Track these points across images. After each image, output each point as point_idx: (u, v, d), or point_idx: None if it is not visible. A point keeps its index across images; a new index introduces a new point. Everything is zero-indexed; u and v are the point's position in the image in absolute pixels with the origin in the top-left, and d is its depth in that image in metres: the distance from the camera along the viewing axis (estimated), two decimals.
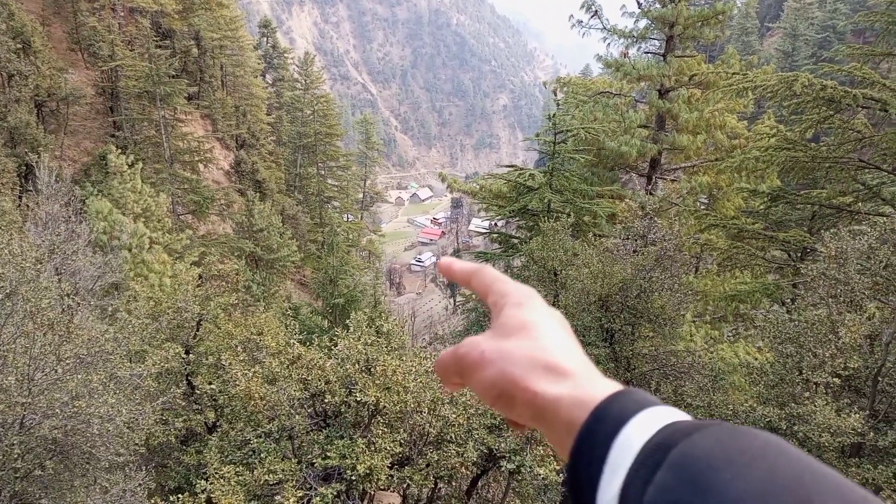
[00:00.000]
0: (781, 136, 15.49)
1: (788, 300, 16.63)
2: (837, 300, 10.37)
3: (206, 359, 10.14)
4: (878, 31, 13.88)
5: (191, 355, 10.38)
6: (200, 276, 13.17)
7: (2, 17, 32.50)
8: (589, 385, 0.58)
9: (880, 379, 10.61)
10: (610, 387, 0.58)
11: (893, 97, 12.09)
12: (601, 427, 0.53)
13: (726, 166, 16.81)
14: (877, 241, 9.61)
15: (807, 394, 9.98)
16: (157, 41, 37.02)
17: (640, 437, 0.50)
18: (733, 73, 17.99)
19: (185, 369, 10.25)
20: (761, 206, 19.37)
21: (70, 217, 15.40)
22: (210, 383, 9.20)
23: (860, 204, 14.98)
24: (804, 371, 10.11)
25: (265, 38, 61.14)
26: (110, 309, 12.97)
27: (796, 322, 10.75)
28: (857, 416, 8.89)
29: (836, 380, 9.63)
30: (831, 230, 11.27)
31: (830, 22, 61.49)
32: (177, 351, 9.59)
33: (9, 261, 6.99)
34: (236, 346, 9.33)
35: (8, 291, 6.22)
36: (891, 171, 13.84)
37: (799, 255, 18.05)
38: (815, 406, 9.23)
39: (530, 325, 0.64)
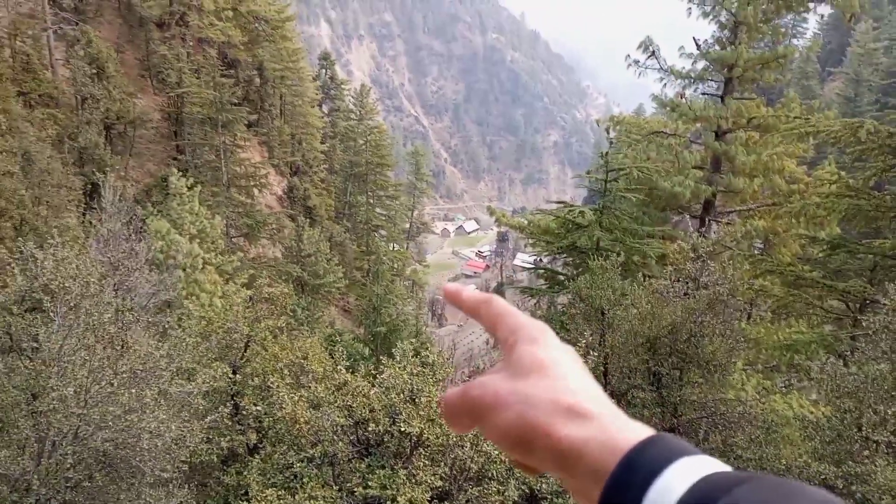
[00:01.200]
0: (843, 183, 15.05)
1: (847, 353, 15.93)
2: None
3: (252, 380, 10.30)
4: None
5: (237, 376, 10.57)
6: (250, 298, 13.46)
7: (80, 44, 34.51)
8: (615, 428, 0.54)
9: None
10: (640, 431, 0.53)
11: None
12: (632, 477, 0.49)
13: (785, 211, 16.38)
14: None
15: (866, 452, 9.48)
16: (222, 70, 38.68)
17: (675, 490, 0.47)
18: (794, 117, 17.64)
19: (232, 389, 10.43)
20: (820, 254, 18.75)
21: (130, 235, 16.00)
22: (256, 405, 9.33)
23: None
24: (864, 428, 9.62)
25: (324, 70, 63.01)
26: (162, 326, 13.35)
27: (856, 376, 10.28)
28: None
29: None
30: (895, 282, 10.81)
31: None
32: (225, 371, 9.77)
33: (75, 275, 7.30)
34: (282, 370, 9.44)
35: (72, 305, 6.48)
36: None
37: (858, 306, 17.33)
38: (875, 465, 8.74)
39: (547, 364, 0.60)
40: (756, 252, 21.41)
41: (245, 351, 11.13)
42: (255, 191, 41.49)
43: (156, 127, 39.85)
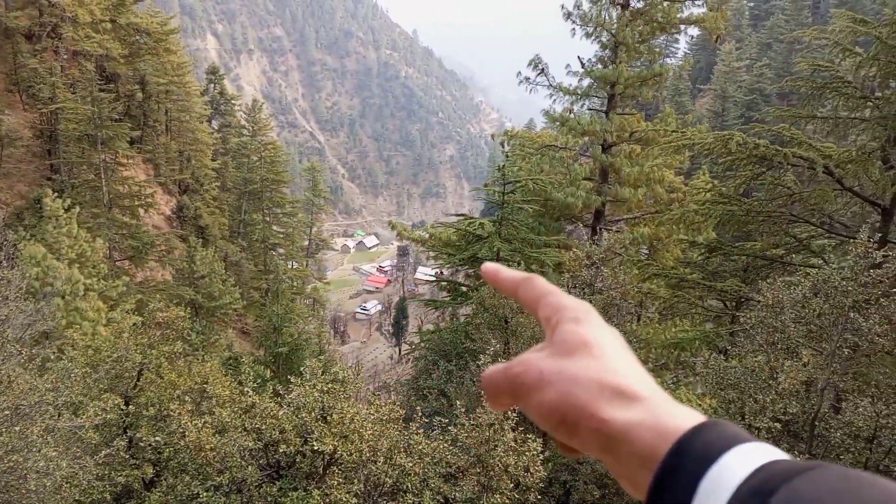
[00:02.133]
0: (717, 191, 16.33)
1: (727, 347, 17.23)
2: (775, 347, 10.84)
3: (148, 410, 9.71)
4: (803, 95, 15.00)
5: (130, 406, 9.93)
6: (144, 324, 12.71)
7: None
8: (665, 412, 0.52)
9: (817, 424, 11.05)
10: (691, 416, 0.52)
11: (819, 156, 12.99)
12: (686, 464, 0.47)
13: (667, 218, 17.53)
14: (810, 292, 10.15)
15: None
16: (101, 84, 36.35)
17: (732, 478, 0.44)
18: (672, 131, 18.98)
19: (124, 421, 9.78)
20: (699, 257, 20.21)
21: (1, 262, 14.70)
22: (154, 436, 8.79)
23: (792, 256, 15.83)
24: (746, 416, 10.44)
25: (212, 85, 60.80)
26: (39, 359, 12.33)
27: (736, 368, 11.15)
28: (798, 460, 9.19)
29: (776, 424, 9.98)
30: (767, 280, 11.84)
31: (757, 85, 65.84)
32: (116, 402, 9.15)
33: None
34: (182, 396, 8.97)
35: None
36: (819, 225, 14.74)
37: (734, 304, 18.81)
38: None
39: (593, 344, 0.58)
40: (643, 257, 22.76)
41: (138, 380, 10.48)
42: (141, 211, 39.20)
43: (27, 145, 36.81)
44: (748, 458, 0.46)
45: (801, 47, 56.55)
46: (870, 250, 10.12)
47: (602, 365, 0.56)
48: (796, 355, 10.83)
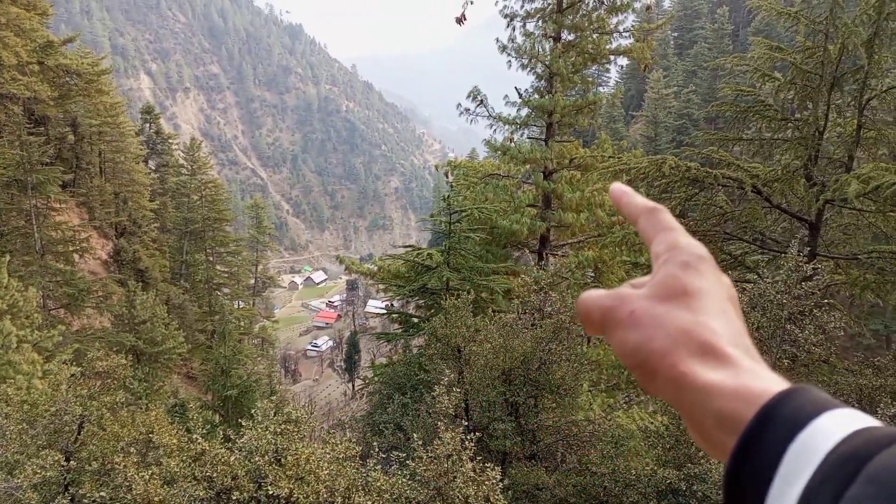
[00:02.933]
0: None
1: None
2: None
3: (90, 464, 9.24)
4: (728, 118, 15.81)
5: (72, 462, 9.43)
6: (83, 374, 12.16)
7: None
8: (753, 376, 0.51)
9: None
10: (778, 382, 0.51)
11: (748, 176, 13.68)
12: (773, 429, 0.46)
13: (609, 241, 18.01)
14: (748, 306, 10.56)
15: (701, 453, 10.55)
16: (29, 128, 35.14)
17: (823, 444, 0.43)
18: (609, 157, 19.62)
19: (65, 478, 9.26)
20: (643, 277, 20.76)
21: None
22: (99, 491, 8.33)
23: (728, 272, 16.47)
24: None
25: (148, 124, 59.59)
26: None
27: None
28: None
29: None
30: None
31: (686, 110, 68.83)
32: (56, 458, 8.68)
33: None
34: (127, 448, 8.58)
35: None
36: (751, 242, 15.44)
37: None
38: (710, 464, 9.75)
39: (694, 293, 0.56)
40: (589, 280, 23.25)
41: (79, 433, 9.98)
42: (76, 256, 37.72)
43: None
44: (841, 423, 0.44)
45: (724, 73, 59.55)
46: (800, 264, 10.65)
47: (696, 318, 0.55)
48: None
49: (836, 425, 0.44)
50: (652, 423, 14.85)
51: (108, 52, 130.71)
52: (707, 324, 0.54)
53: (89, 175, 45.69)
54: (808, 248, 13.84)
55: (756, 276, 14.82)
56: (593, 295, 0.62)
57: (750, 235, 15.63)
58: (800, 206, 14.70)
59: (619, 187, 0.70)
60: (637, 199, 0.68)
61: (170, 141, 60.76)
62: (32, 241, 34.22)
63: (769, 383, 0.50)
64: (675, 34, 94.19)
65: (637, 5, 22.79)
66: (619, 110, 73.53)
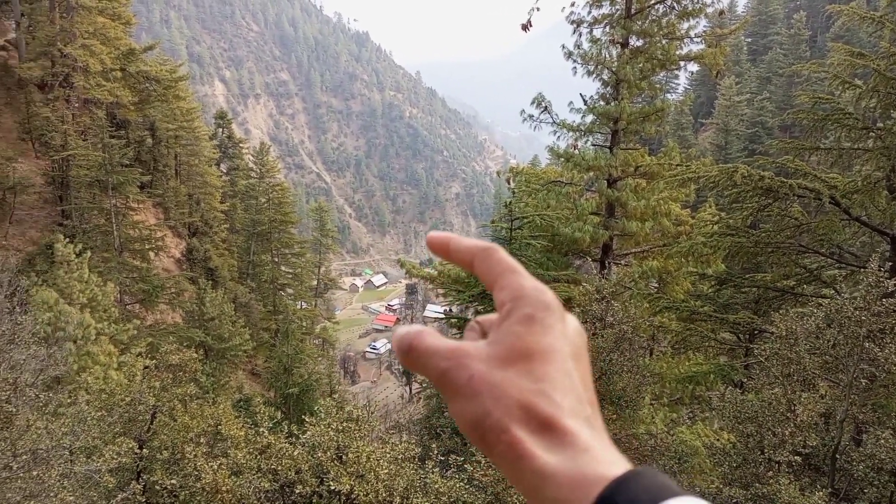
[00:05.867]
0: (724, 224, 16.39)
1: (742, 380, 17.06)
2: (791, 379, 10.74)
3: (161, 453, 9.67)
4: (805, 127, 15.16)
5: (144, 450, 9.90)
6: (156, 366, 12.74)
7: None
8: (590, 459, 0.47)
9: (838, 457, 10.87)
10: (616, 463, 0.47)
11: (825, 187, 13.08)
12: None
13: (675, 251, 17.56)
14: (823, 322, 10.10)
15: (770, 473, 10.12)
16: (111, 131, 37.11)
17: None
18: (676, 165, 19.12)
19: (138, 465, 9.74)
20: (710, 290, 20.14)
21: (14, 308, 14.83)
22: (170, 479, 8.74)
23: (803, 287, 15.79)
24: (766, 450, 10.29)
25: (221, 129, 61.97)
26: (53, 404, 12.33)
27: (753, 402, 11.03)
28: (821, 493, 9.03)
29: (797, 458, 9.82)
30: (780, 311, 11.80)
31: (759, 118, 66.41)
32: (130, 446, 9.13)
33: None
34: (196, 439, 8.95)
35: None
36: (828, 256, 14.75)
37: (748, 336, 18.68)
38: (779, 485, 9.35)
39: (537, 355, 0.51)
40: (653, 291, 22.70)
41: (151, 423, 10.47)
42: (151, 254, 39.54)
43: (38, 192, 37.41)
44: None
45: (801, 80, 57.25)
46: (881, 279, 10.10)
47: (537, 386, 0.50)
48: (813, 387, 10.73)
49: None
50: (718, 440, 14.37)
51: (185, 60, 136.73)
52: (548, 394, 0.50)
53: (165, 177, 47.82)
54: (890, 263, 13.10)
55: (832, 292, 14.14)
56: (430, 347, 0.54)
57: (827, 249, 14.94)
58: (881, 218, 13.94)
59: (437, 235, 0.63)
60: (465, 242, 0.61)
61: (240, 145, 63.04)
62: (112, 239, 36.08)
63: (606, 467, 0.46)
64: (749, 39, 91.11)
65: (710, 10, 22.13)
66: (688, 117, 71.60)
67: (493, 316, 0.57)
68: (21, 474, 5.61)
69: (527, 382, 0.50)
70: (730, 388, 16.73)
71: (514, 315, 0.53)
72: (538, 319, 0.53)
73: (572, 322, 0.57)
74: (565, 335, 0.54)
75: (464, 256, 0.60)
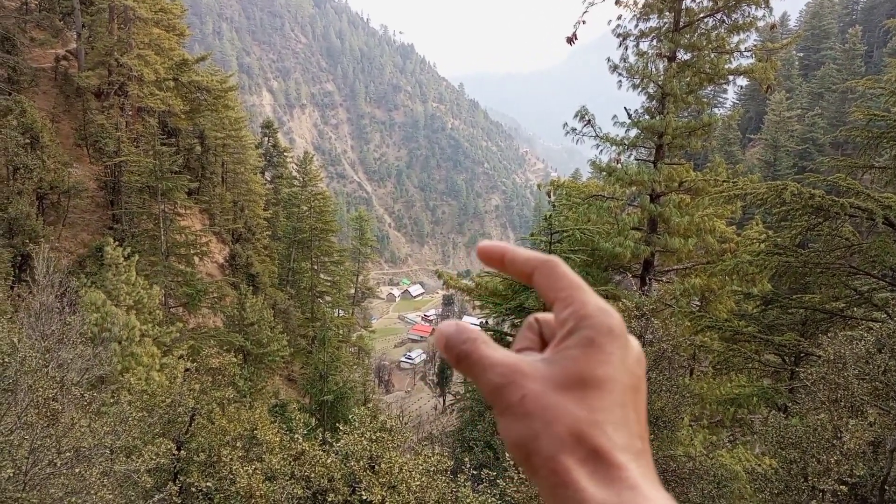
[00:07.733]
0: (772, 242, 15.94)
1: (786, 405, 16.49)
2: (838, 405, 10.32)
3: (198, 455, 9.83)
4: (858, 144, 14.68)
5: (182, 452, 10.07)
6: (197, 369, 12.98)
7: (14, 113, 33.66)
8: (636, 496, 0.47)
9: (887, 488, 10.38)
10: (662, 503, 0.47)
11: (879, 206, 12.61)
12: None
13: (719, 269, 17.14)
14: (874, 347, 9.71)
15: (813, 502, 9.73)
16: (162, 139, 38.29)
17: None
18: (723, 181, 18.71)
19: (175, 466, 9.91)
20: (754, 310, 19.58)
21: (64, 308, 15.33)
22: (206, 482, 8.87)
23: (853, 309, 15.21)
24: (809, 478, 9.90)
25: (267, 138, 63.34)
26: (96, 403, 12.67)
27: (798, 427, 10.64)
28: None
29: (842, 487, 9.42)
30: (828, 334, 11.39)
31: (810, 134, 64.62)
32: (168, 447, 9.31)
33: (10, 351, 6.93)
34: (232, 442, 9.06)
35: (10, 382, 6.13)
36: (880, 278, 14.18)
37: (793, 359, 18.07)
38: None
39: (594, 384, 0.50)
40: (694, 309, 22.19)
41: (190, 425, 10.66)
42: (196, 259, 40.52)
43: (91, 196, 38.79)
44: None
45: (855, 97, 55.47)
46: None
47: (591, 416, 0.49)
48: (861, 414, 10.29)
49: None
50: (759, 465, 13.90)
51: (235, 70, 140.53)
52: (601, 425, 0.49)
53: (212, 184, 49.04)
54: None
55: (884, 315, 13.58)
56: (484, 357, 0.52)
57: (879, 271, 14.37)
58: None
59: (491, 245, 0.60)
60: (523, 253, 0.59)
61: (285, 154, 64.33)
62: (159, 244, 37.10)
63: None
64: (801, 54, 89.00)
65: (761, 24, 21.67)
66: (735, 133, 70.12)
67: (551, 317, 0.56)
68: (64, 471, 5.79)
69: (580, 411, 0.49)
70: (773, 411, 16.19)
71: (575, 336, 0.52)
72: (599, 345, 0.51)
73: (634, 348, 0.55)
74: (625, 364, 0.52)
75: (522, 268, 0.58)
